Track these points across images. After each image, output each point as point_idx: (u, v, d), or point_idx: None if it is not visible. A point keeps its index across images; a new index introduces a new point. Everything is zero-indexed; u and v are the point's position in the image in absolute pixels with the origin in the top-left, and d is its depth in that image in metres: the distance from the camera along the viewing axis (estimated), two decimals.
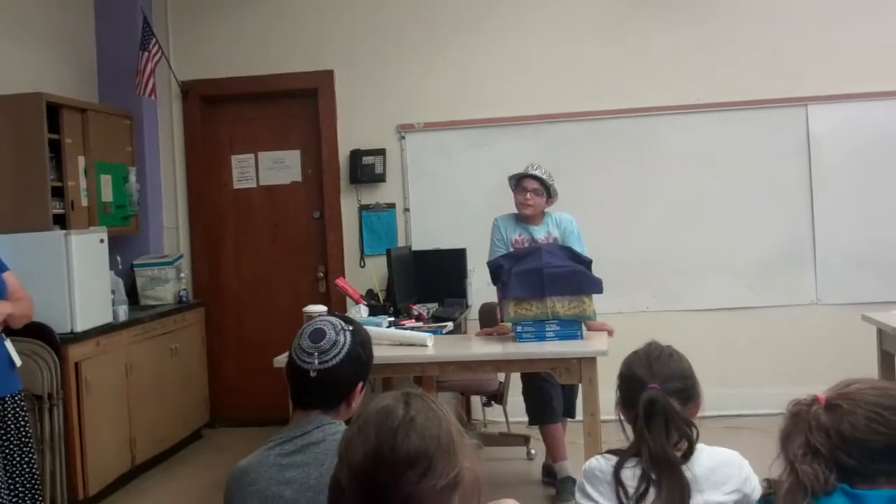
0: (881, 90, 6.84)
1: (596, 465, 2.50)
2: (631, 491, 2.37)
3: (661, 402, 2.40)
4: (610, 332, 5.14)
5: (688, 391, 2.49)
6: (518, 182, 5.61)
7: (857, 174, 6.90)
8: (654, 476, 2.35)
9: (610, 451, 2.51)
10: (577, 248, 5.38)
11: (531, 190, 5.55)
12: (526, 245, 5.50)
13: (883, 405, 1.86)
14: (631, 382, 2.50)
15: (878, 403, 1.87)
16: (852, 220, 6.91)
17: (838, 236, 6.92)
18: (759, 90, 6.94)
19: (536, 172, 5.58)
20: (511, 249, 5.47)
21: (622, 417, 2.54)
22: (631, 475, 2.40)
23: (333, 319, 2.47)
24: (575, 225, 5.66)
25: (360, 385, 2.42)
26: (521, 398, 5.63)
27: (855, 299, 6.63)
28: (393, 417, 1.64)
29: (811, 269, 6.96)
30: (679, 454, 2.39)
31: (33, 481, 4.51)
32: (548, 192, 5.59)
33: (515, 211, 5.70)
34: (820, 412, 1.88)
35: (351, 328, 2.43)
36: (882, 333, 5.40)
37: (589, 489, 2.48)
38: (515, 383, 6.23)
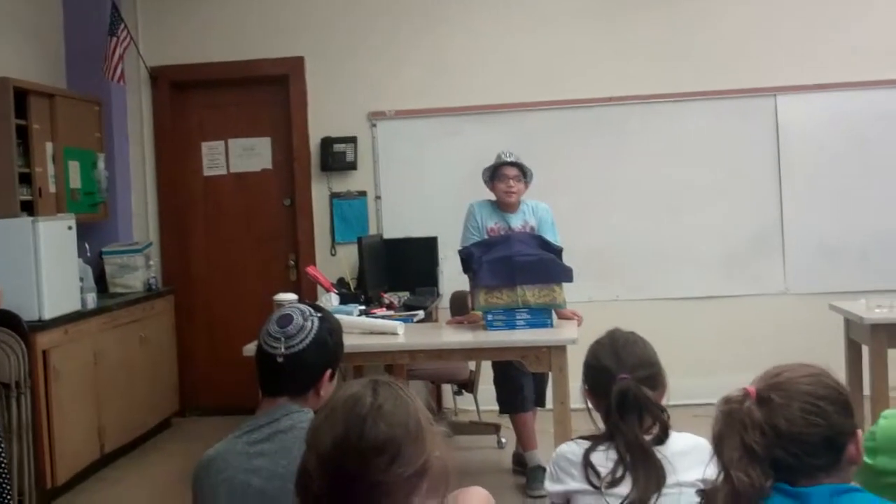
0: (849, 80, 6.90)
1: (567, 449, 2.50)
2: (603, 472, 2.37)
3: (633, 392, 2.40)
4: (579, 321, 5.15)
5: (655, 378, 2.49)
6: (496, 171, 5.56)
7: (825, 164, 6.95)
8: (629, 462, 2.36)
9: (581, 438, 2.51)
10: (550, 236, 5.39)
11: (512, 177, 5.51)
12: (501, 234, 5.49)
13: (817, 395, 1.78)
14: (599, 373, 2.50)
15: (811, 393, 1.78)
16: (821, 209, 6.96)
17: (807, 225, 6.98)
18: (728, 80, 6.97)
19: (512, 159, 5.54)
20: (485, 237, 5.45)
21: (590, 405, 2.54)
22: (602, 458, 2.40)
23: (302, 306, 2.47)
24: (550, 214, 5.65)
25: (329, 373, 2.41)
26: (491, 387, 5.64)
27: (823, 288, 6.68)
28: (361, 405, 1.64)
29: (780, 259, 7.02)
30: (650, 438, 2.40)
31: (0, 470, 4.47)
32: (525, 176, 5.56)
33: (491, 197, 5.66)
34: (753, 408, 1.78)
35: (319, 315, 2.43)
36: (849, 323, 5.45)
37: (559, 473, 2.48)
38: (486, 372, 6.24)
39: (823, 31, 6.94)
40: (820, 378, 1.82)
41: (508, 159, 5.54)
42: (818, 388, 1.79)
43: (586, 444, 2.45)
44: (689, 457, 2.38)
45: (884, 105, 6.91)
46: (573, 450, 2.48)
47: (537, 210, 5.64)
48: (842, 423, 1.79)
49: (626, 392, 2.40)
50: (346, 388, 1.71)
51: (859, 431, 1.82)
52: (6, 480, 4.52)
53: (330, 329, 2.43)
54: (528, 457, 5.45)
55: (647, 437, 2.39)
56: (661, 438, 2.40)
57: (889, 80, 6.87)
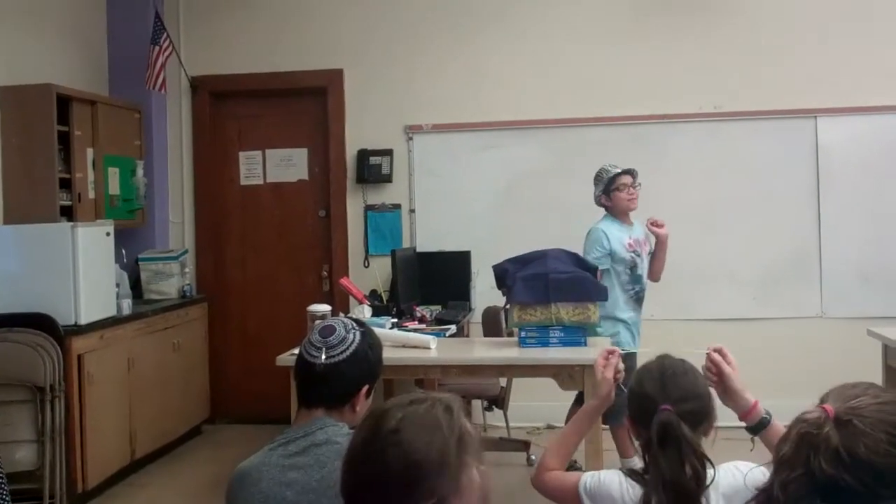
0: (890, 104, 6.83)
1: (613, 485, 2.37)
2: None
3: (674, 427, 2.26)
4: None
5: (702, 412, 2.36)
6: (612, 182, 5.55)
7: (864, 187, 6.89)
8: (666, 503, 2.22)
9: (630, 472, 2.38)
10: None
11: (630, 184, 5.55)
12: (637, 248, 5.55)
13: None
14: (642, 401, 2.37)
15: (893, 423, 1.72)
16: (859, 233, 6.90)
17: (845, 249, 6.91)
18: (769, 101, 6.93)
19: (622, 168, 5.56)
20: (628, 255, 5.48)
21: (632, 435, 2.44)
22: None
23: (346, 319, 2.50)
24: None
25: (367, 388, 2.41)
26: (522, 403, 5.62)
27: (861, 313, 6.61)
28: (380, 425, 1.61)
29: (817, 282, 6.95)
30: (693, 482, 2.24)
31: None
32: (636, 182, 5.60)
33: (606, 216, 5.64)
34: (831, 434, 1.70)
35: (362, 329, 2.45)
36: (887, 349, 5.37)
37: (598, 497, 2.37)
38: (517, 388, 6.23)
39: (864, 53, 6.88)
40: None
41: (619, 169, 5.55)
42: None
43: (635, 486, 2.31)
44: (740, 496, 2.21)
45: None
46: (618, 490, 2.35)
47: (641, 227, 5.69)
48: None
49: (668, 426, 2.27)
50: (391, 400, 1.67)
51: None
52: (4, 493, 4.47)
53: (371, 343, 2.44)
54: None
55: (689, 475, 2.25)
56: (700, 485, 2.24)
57: None
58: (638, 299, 5.59)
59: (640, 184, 5.61)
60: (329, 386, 2.36)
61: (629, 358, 4.60)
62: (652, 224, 5.59)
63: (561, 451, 2.59)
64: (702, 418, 2.35)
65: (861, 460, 1.69)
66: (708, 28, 7.04)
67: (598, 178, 5.62)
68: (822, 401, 1.80)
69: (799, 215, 6.94)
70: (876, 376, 5.38)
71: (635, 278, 5.53)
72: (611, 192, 5.55)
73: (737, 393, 2.46)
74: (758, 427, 2.44)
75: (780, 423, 2.31)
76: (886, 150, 6.88)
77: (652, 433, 2.28)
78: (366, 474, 1.59)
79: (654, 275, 5.74)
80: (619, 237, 5.51)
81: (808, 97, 6.91)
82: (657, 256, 5.69)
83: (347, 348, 2.37)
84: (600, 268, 5.37)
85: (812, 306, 6.95)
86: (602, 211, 5.67)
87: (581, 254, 5.26)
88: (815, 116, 6.93)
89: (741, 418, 2.45)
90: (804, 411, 1.79)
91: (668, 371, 2.41)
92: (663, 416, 2.28)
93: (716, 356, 2.50)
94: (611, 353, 2.57)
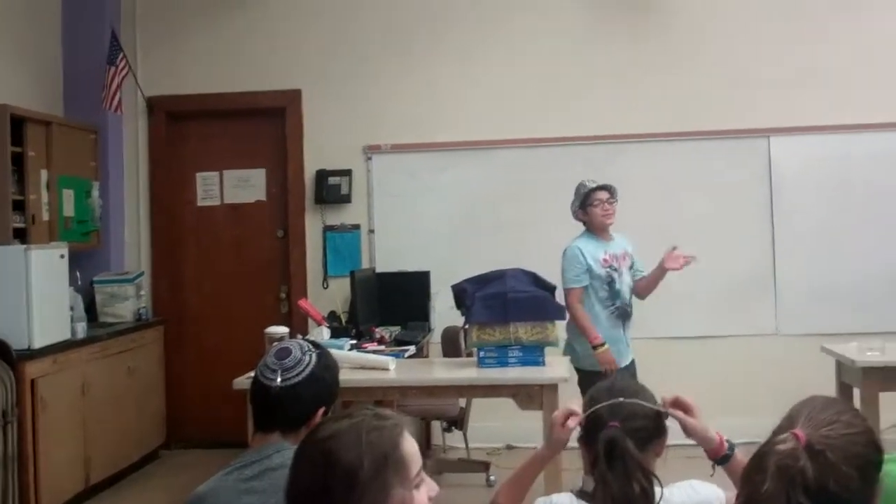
0: (842, 123, 6.94)
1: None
2: None
3: (620, 444, 2.23)
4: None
5: (651, 431, 2.33)
6: (587, 198, 5.53)
7: (817, 205, 6.99)
8: None
9: (580, 494, 2.34)
10: (639, 264, 5.60)
11: (606, 200, 5.52)
12: (614, 263, 5.50)
13: (870, 459, 1.70)
14: (591, 420, 2.34)
15: (865, 457, 1.69)
16: (813, 250, 6.98)
17: (799, 267, 6.99)
18: (722, 120, 7.02)
19: (599, 183, 5.55)
20: (603, 270, 5.45)
21: (583, 455, 2.38)
22: None
23: (301, 341, 2.48)
24: None
25: (323, 411, 2.39)
26: (482, 424, 5.61)
27: (815, 330, 6.68)
28: (310, 435, 1.73)
29: (771, 300, 7.02)
30: (642, 500, 2.21)
31: None
32: (614, 198, 5.56)
33: (578, 230, 5.66)
34: (807, 466, 1.65)
35: (318, 351, 2.44)
36: (841, 365, 5.44)
37: None
38: (476, 408, 6.22)
39: (816, 73, 6.98)
40: (870, 437, 1.74)
41: (595, 184, 5.53)
42: (871, 452, 1.72)
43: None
44: None
45: (876, 147, 6.96)
46: None
47: (628, 240, 5.67)
48: (877, 486, 1.73)
49: (614, 442, 2.24)
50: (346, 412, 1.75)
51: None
52: None
53: (327, 365, 2.43)
54: None
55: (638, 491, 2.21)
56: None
57: (881, 124, 6.93)
58: (620, 315, 5.50)
59: (615, 200, 5.55)
60: (284, 409, 2.34)
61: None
62: (671, 257, 5.49)
63: (513, 491, 2.56)
64: (651, 437, 2.33)
65: (830, 493, 1.66)
66: (661, 49, 7.11)
67: (576, 193, 5.61)
68: (791, 418, 1.76)
69: (753, 234, 7.02)
70: (830, 392, 5.42)
71: (614, 294, 5.47)
72: (587, 206, 5.54)
73: (700, 434, 2.42)
74: (723, 460, 2.44)
75: (742, 456, 2.30)
76: (838, 168, 6.99)
77: (599, 450, 2.25)
78: (290, 482, 1.68)
79: (641, 291, 5.67)
80: (594, 253, 5.48)
81: (760, 117, 7.00)
82: (652, 278, 5.62)
83: (303, 370, 2.36)
84: (579, 285, 5.40)
85: (767, 324, 7.01)
86: (580, 226, 5.66)
87: (539, 274, 5.25)
88: (768, 136, 7.03)
89: (708, 456, 2.44)
90: (776, 438, 1.73)
91: (617, 390, 2.39)
92: (610, 432, 2.26)
93: (678, 413, 2.41)
94: (572, 414, 2.42)
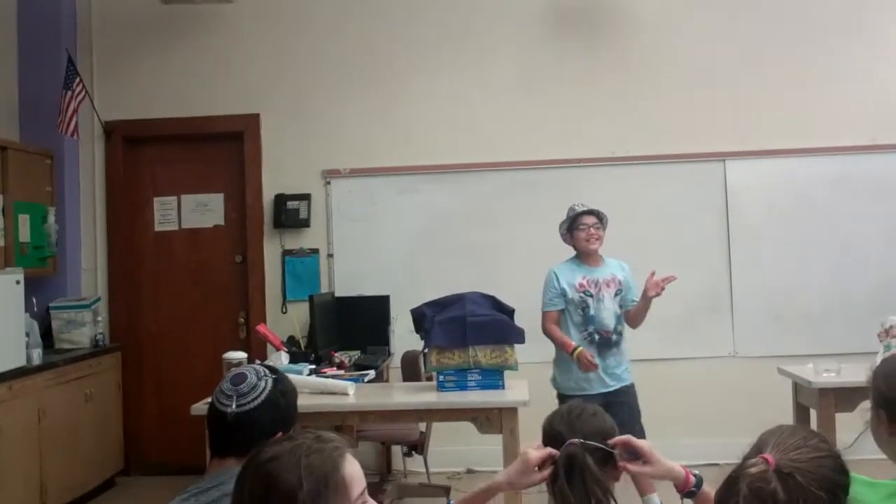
0: (796, 147, 7.07)
1: None
2: None
3: (580, 459, 2.28)
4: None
5: (608, 451, 2.36)
6: (574, 222, 5.52)
7: (772, 228, 7.08)
8: None
9: None
10: (634, 292, 5.50)
11: (591, 225, 5.49)
12: (591, 288, 5.45)
13: (838, 483, 1.74)
14: (551, 440, 2.37)
15: (833, 481, 1.73)
16: (769, 273, 7.07)
17: (755, 289, 7.07)
18: (679, 145, 7.10)
19: (587, 208, 5.52)
20: (577, 295, 5.41)
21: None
22: None
23: (258, 367, 2.48)
24: (630, 271, 5.63)
25: (280, 436, 2.38)
26: (442, 448, 5.60)
27: (771, 352, 6.77)
28: (252, 457, 1.74)
29: (729, 322, 7.09)
30: None
31: None
32: (602, 224, 5.55)
33: (569, 254, 5.63)
34: (778, 490, 1.68)
35: (274, 376, 2.43)
36: (797, 386, 5.50)
37: None
38: (437, 432, 6.22)
39: (770, 98, 7.11)
40: (838, 461, 1.77)
41: (584, 209, 5.52)
42: (838, 476, 1.75)
43: None
44: None
45: (830, 171, 7.08)
46: None
47: (624, 267, 5.61)
48: None
49: (573, 458, 2.28)
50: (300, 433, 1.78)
51: None
52: None
53: (283, 390, 2.42)
54: (646, 500, 5.34)
55: None
56: None
57: (833, 147, 7.06)
58: (595, 341, 5.39)
59: (602, 226, 5.55)
60: (240, 434, 2.33)
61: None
62: (652, 284, 5.38)
63: None
64: (609, 457, 2.36)
65: None
66: (617, 74, 7.20)
67: (567, 216, 5.60)
68: (759, 445, 1.79)
69: (710, 257, 7.09)
70: (787, 413, 5.50)
71: (588, 319, 5.40)
72: (573, 230, 5.53)
73: (663, 477, 2.41)
74: (690, 494, 2.46)
75: (709, 489, 2.31)
76: (793, 191, 7.10)
77: (558, 466, 2.29)
78: (233, 501, 1.71)
79: (631, 321, 5.57)
80: (570, 278, 5.46)
81: (716, 141, 7.10)
82: (638, 308, 5.52)
83: (258, 396, 2.35)
84: (551, 309, 5.41)
85: (724, 346, 7.08)
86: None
87: (497, 297, 5.27)
88: (724, 160, 7.12)
89: (676, 489, 2.45)
90: (746, 462, 1.76)
91: (575, 411, 2.44)
92: (570, 448, 2.30)
93: (631, 468, 2.39)
94: (550, 457, 2.37)
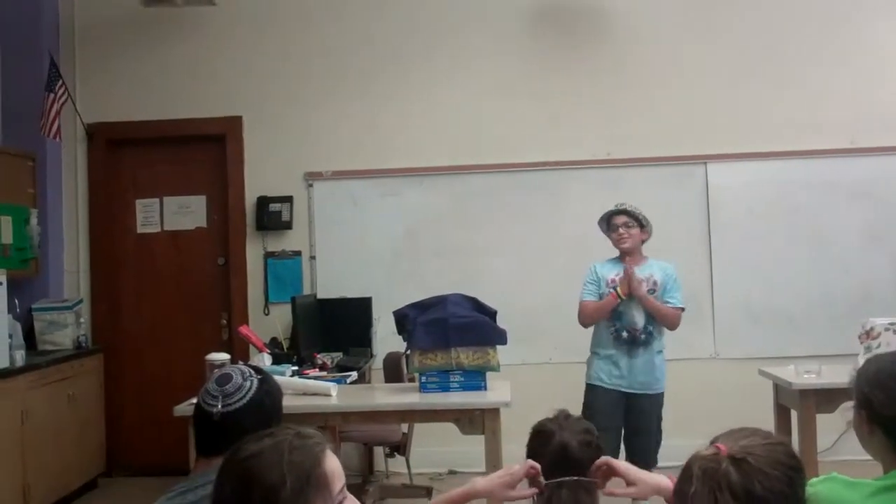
0: (777, 150, 7.13)
1: None
2: None
3: (571, 450, 2.33)
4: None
5: (596, 448, 2.41)
6: (607, 222, 5.60)
7: (753, 231, 7.14)
8: None
9: None
10: (673, 295, 5.51)
11: (621, 224, 5.52)
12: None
13: (792, 466, 1.79)
14: (541, 437, 2.42)
15: (786, 464, 1.78)
16: (750, 275, 7.12)
17: (736, 291, 7.12)
18: (661, 148, 7.15)
19: (622, 207, 5.56)
20: (608, 290, 5.46)
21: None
22: None
23: (243, 367, 2.49)
24: (675, 273, 5.62)
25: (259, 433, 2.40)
26: (424, 449, 5.62)
27: (752, 353, 6.83)
28: (233, 453, 1.75)
29: (710, 324, 7.14)
30: None
31: None
32: (639, 223, 5.55)
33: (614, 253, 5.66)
34: (730, 470, 1.74)
35: (260, 377, 2.44)
36: (778, 388, 5.53)
37: None
38: (419, 433, 6.23)
39: (751, 101, 7.17)
40: (790, 450, 1.82)
41: (616, 208, 5.58)
42: (792, 460, 1.80)
43: None
44: None
45: (811, 173, 7.15)
46: None
47: (666, 268, 5.60)
48: (803, 497, 1.81)
49: (566, 447, 2.33)
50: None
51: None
52: None
53: (268, 391, 2.43)
54: None
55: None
56: None
57: (813, 150, 7.12)
58: (622, 339, 5.45)
59: (644, 228, 5.57)
60: (226, 434, 2.33)
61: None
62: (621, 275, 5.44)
63: None
64: (595, 456, 2.40)
65: (756, 498, 1.73)
66: (600, 77, 7.24)
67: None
68: (713, 443, 1.85)
69: (691, 259, 7.11)
70: (768, 415, 5.54)
71: (616, 315, 5.45)
72: (609, 231, 5.62)
73: (652, 492, 2.40)
74: None
75: None
76: (773, 194, 7.16)
77: (548, 458, 2.34)
78: (213, 501, 1.72)
79: (659, 322, 5.55)
80: (605, 272, 5.54)
81: (698, 144, 7.15)
82: (643, 306, 5.50)
83: (244, 396, 2.36)
84: (585, 298, 5.52)
85: (705, 348, 7.13)
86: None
87: (479, 299, 5.29)
88: (706, 162, 7.17)
89: (666, 501, 2.47)
90: (697, 451, 1.83)
91: (563, 414, 2.49)
92: (563, 437, 2.36)
93: (616, 491, 2.41)
94: (537, 475, 2.38)
